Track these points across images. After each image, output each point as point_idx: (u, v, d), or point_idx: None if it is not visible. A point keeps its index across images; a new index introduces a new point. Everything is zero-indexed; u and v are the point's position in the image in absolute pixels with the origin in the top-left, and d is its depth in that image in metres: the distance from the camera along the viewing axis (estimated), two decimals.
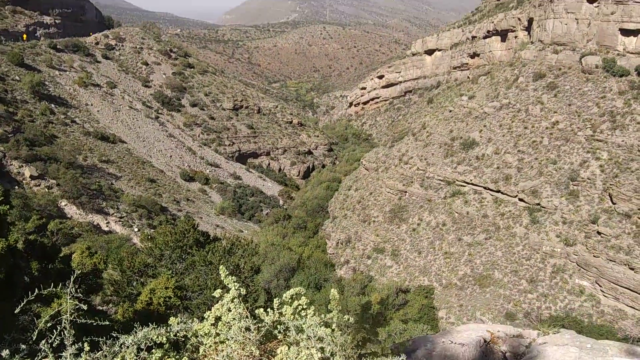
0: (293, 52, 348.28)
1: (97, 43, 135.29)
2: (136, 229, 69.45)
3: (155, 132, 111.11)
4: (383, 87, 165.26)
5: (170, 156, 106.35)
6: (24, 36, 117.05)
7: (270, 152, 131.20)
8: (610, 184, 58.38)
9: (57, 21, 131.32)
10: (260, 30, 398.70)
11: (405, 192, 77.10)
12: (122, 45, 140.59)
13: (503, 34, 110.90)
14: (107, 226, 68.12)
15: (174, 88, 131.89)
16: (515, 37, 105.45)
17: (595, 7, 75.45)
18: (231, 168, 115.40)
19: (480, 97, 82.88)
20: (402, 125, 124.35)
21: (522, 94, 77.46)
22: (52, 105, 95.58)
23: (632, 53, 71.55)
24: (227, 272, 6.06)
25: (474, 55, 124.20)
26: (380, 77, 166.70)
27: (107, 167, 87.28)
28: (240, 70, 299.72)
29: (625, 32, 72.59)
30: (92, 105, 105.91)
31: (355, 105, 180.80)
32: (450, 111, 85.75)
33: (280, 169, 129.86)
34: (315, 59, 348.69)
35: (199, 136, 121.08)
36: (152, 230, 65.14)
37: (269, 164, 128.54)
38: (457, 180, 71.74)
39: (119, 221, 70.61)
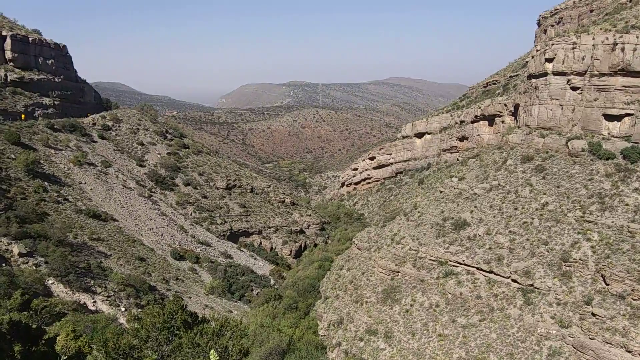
0: (287, 134, 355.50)
1: (94, 124, 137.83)
2: (123, 309, 67.81)
3: (147, 210, 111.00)
4: (374, 168, 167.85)
5: (162, 234, 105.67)
6: (22, 116, 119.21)
7: (262, 231, 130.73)
8: (603, 265, 58.25)
9: (56, 102, 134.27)
10: (255, 113, 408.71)
11: (398, 272, 76.43)
12: (119, 126, 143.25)
13: (490, 119, 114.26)
14: (93, 305, 66.51)
15: (168, 167, 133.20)
16: (502, 121, 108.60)
17: (579, 94, 78.36)
18: (222, 247, 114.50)
19: (470, 178, 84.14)
20: (393, 205, 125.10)
21: (511, 176, 78.76)
22: (46, 183, 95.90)
23: (616, 137, 73.61)
24: (217, 357, 6.01)
25: (462, 139, 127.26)
26: (372, 158, 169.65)
27: (97, 245, 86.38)
28: (235, 151, 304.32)
29: (609, 117, 74.97)
30: (85, 183, 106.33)
31: (347, 185, 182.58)
32: (441, 192, 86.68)
33: (272, 248, 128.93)
34: (308, 140, 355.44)
35: (191, 214, 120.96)
36: (140, 309, 63.60)
37: (260, 243, 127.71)
38: (450, 261, 71.40)
39: (106, 300, 69.02)
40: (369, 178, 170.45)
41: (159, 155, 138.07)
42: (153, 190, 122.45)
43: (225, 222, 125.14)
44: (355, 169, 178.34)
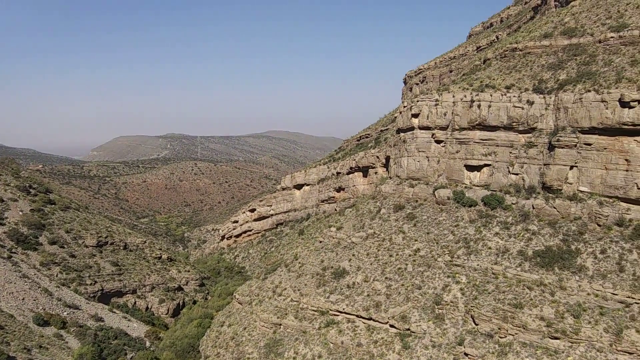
0: (163, 187, 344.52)
1: None
2: None
3: (6, 272, 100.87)
4: (255, 219, 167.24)
5: (23, 299, 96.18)
6: None
7: (136, 290, 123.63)
8: (471, 306, 61.95)
9: None
10: (129, 166, 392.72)
11: (280, 324, 75.61)
12: None
13: (364, 170, 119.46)
14: None
15: (32, 225, 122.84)
16: (376, 172, 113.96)
17: (442, 147, 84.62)
18: (92, 309, 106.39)
19: (348, 227, 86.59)
20: (274, 256, 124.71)
21: (385, 224, 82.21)
22: None
23: (477, 186, 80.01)
24: None
25: (339, 189, 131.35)
26: (252, 210, 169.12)
27: None
28: (107, 205, 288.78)
29: (470, 168, 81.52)
30: None
31: (227, 239, 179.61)
32: (321, 242, 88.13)
33: (147, 308, 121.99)
34: (187, 193, 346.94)
35: (57, 276, 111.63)
36: None
37: (135, 303, 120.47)
38: (331, 310, 72.07)
39: None
40: (250, 230, 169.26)
41: (20, 212, 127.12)
42: (13, 250, 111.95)
43: (96, 282, 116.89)
44: (236, 222, 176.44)
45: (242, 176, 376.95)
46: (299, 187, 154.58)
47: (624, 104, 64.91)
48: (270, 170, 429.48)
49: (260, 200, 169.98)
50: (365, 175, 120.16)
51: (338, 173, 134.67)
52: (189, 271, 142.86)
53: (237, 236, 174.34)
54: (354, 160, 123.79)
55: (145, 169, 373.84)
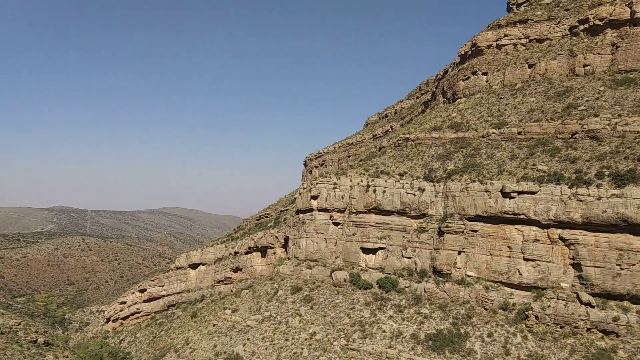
0: (45, 264, 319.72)
1: None
2: None
3: None
4: (145, 301, 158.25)
5: None
6: None
7: None
8: None
9: None
10: (8, 239, 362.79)
11: None
12: None
13: (263, 250, 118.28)
14: None
15: None
16: (274, 253, 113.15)
17: (340, 229, 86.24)
18: None
19: (244, 310, 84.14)
20: (164, 341, 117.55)
21: (282, 306, 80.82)
22: None
23: (372, 268, 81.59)
24: None
25: (236, 270, 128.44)
26: (142, 290, 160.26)
27: None
28: None
29: (366, 250, 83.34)
30: None
31: (113, 321, 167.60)
32: (214, 325, 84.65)
33: None
34: (71, 271, 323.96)
35: None
36: None
37: None
38: None
39: None
40: (139, 312, 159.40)
41: None
42: None
43: None
44: (124, 303, 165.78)
45: (133, 254, 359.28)
46: (194, 266, 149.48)
47: (505, 195, 70.18)
48: (165, 249, 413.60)
49: (152, 280, 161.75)
50: (263, 256, 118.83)
51: (236, 253, 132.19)
52: (67, 357, 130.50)
53: (124, 318, 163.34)
54: (253, 240, 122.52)
55: (26, 243, 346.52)
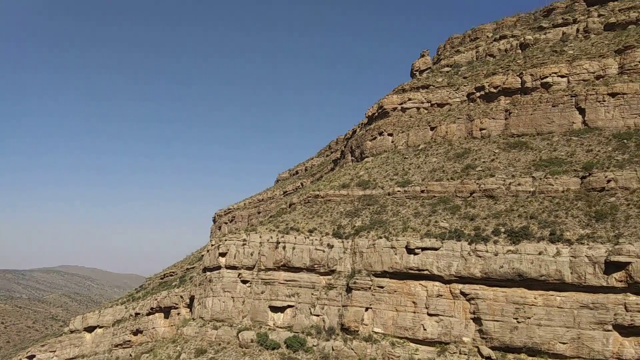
0: None
1: None
2: None
3: None
4: None
5: None
6: None
7: None
8: None
9: None
10: None
11: None
12: None
13: (166, 311, 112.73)
14: None
15: None
16: (178, 313, 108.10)
17: (248, 287, 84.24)
18: None
19: None
20: None
21: None
22: None
23: (281, 327, 79.82)
24: None
25: (137, 332, 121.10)
26: (31, 357, 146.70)
27: None
28: None
29: (274, 309, 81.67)
30: None
31: None
32: None
33: None
34: None
35: None
36: None
37: None
38: None
39: None
40: None
41: None
42: None
43: None
44: None
45: (23, 316, 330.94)
46: (90, 329, 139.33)
47: (410, 251, 72.00)
48: (59, 310, 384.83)
49: (42, 345, 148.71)
50: (167, 317, 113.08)
51: (137, 314, 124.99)
52: None
53: None
54: (156, 299, 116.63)
55: None
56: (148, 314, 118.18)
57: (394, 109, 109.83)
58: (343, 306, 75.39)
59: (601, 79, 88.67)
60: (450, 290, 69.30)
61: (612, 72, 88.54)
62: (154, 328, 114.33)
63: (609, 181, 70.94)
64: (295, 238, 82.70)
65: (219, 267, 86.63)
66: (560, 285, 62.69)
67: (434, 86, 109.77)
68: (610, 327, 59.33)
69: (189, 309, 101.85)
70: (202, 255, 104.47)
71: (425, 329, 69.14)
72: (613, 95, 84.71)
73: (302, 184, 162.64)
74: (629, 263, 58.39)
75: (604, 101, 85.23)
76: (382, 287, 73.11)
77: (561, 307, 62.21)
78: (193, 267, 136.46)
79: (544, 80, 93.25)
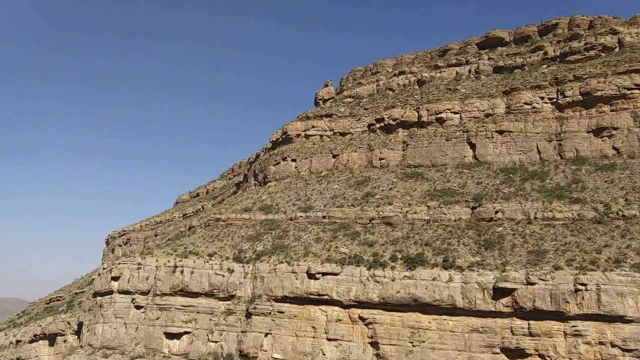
0: None
1: None
2: None
3: None
4: None
5: None
6: None
7: None
8: None
9: None
10: None
11: None
12: None
13: (52, 338, 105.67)
14: None
15: None
16: (65, 341, 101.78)
17: (142, 312, 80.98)
18: None
19: None
20: None
21: None
22: None
23: (176, 354, 77.23)
24: None
25: None
26: None
27: None
28: None
29: (170, 336, 78.95)
30: None
31: None
32: None
33: None
34: None
35: None
36: None
37: None
38: None
39: None
40: None
41: None
42: None
43: None
44: None
45: None
46: None
47: (310, 276, 72.86)
48: None
49: None
50: (52, 345, 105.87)
51: (18, 341, 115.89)
52: None
53: None
54: (40, 326, 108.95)
55: None
56: (31, 342, 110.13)
57: (298, 135, 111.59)
58: (242, 332, 74.49)
59: (490, 117, 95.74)
60: (349, 315, 70.71)
61: (500, 112, 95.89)
62: (37, 357, 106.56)
63: (496, 212, 76.37)
64: (194, 262, 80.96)
65: (111, 292, 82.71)
66: (453, 310, 66.05)
67: (336, 115, 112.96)
68: (498, 350, 63.18)
69: (76, 336, 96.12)
70: (93, 279, 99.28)
71: (324, 354, 69.82)
72: (501, 132, 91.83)
73: (203, 207, 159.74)
74: (514, 289, 62.82)
75: (493, 138, 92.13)
76: (282, 312, 73.14)
77: (453, 331, 65.46)
78: (82, 292, 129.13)
79: (439, 115, 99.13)
